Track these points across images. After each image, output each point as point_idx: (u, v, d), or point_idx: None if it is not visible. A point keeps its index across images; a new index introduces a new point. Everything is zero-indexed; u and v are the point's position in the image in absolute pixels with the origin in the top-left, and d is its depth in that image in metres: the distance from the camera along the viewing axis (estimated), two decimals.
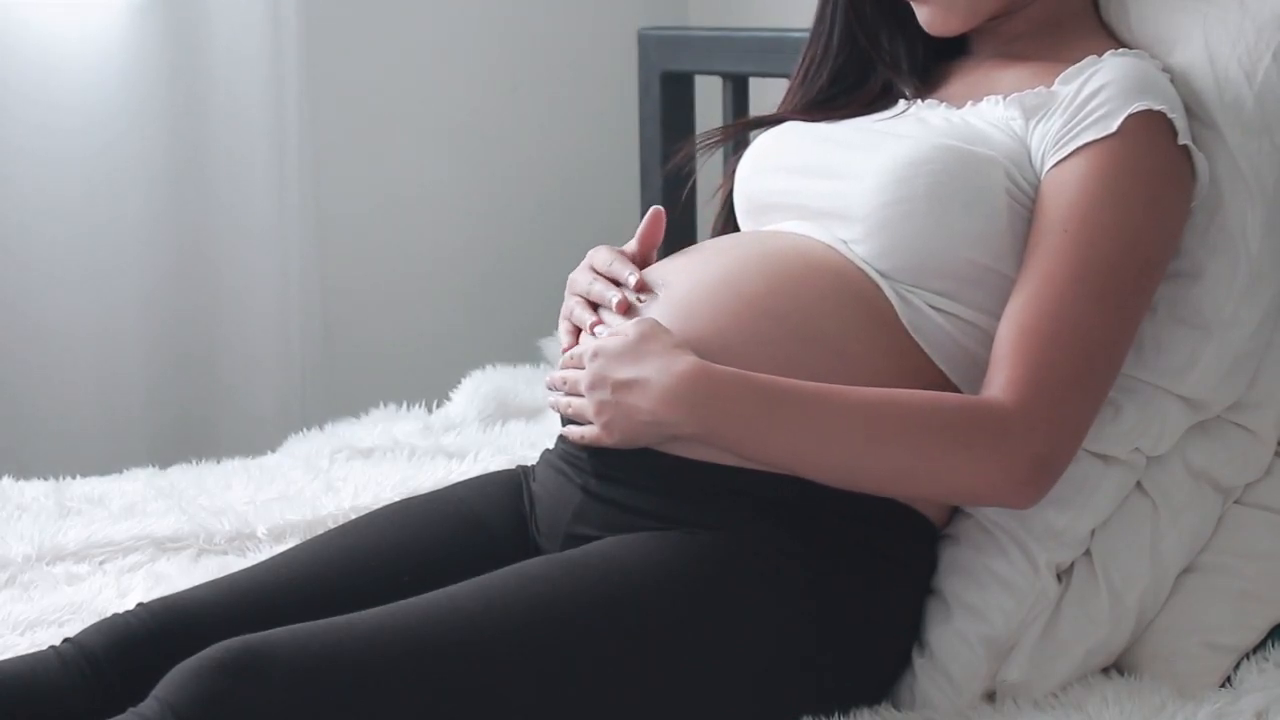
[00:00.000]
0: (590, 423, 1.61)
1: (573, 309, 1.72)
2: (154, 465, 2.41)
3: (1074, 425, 1.56)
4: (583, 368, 1.61)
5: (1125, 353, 1.60)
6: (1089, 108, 1.61)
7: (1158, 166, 1.60)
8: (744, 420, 1.54)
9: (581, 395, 1.61)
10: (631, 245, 1.75)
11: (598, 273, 1.71)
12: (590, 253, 1.75)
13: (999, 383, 1.55)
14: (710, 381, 1.55)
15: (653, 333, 1.58)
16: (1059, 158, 1.61)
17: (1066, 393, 1.55)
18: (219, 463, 2.41)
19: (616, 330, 1.62)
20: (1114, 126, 1.59)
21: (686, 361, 1.56)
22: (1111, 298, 1.57)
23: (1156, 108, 1.60)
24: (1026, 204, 1.62)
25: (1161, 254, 1.61)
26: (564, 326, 1.73)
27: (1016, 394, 1.54)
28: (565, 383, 1.64)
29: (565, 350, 1.70)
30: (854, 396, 1.55)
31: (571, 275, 1.75)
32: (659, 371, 1.56)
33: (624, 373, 1.57)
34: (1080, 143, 1.60)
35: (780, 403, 1.55)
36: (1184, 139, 1.61)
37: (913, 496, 1.60)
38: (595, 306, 1.69)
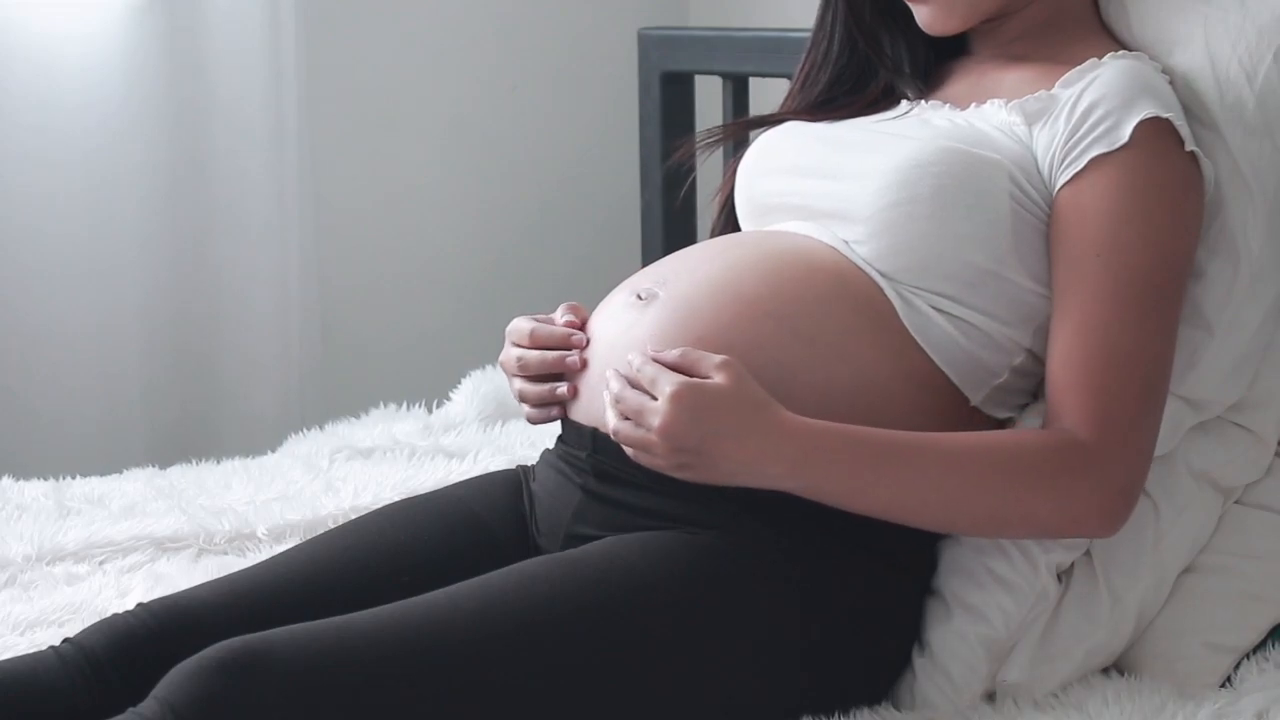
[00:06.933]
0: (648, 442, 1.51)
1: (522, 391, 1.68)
2: (154, 465, 2.41)
3: (1148, 449, 1.57)
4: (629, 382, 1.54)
5: (1172, 364, 1.60)
6: (1094, 117, 1.60)
7: (1172, 174, 1.60)
8: (847, 475, 1.53)
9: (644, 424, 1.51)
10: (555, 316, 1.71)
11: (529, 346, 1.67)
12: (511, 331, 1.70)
13: (1071, 417, 1.55)
14: (811, 437, 1.52)
15: (741, 379, 1.51)
16: (1071, 173, 1.60)
17: (1137, 419, 1.56)
18: (219, 463, 2.40)
19: (694, 371, 1.52)
20: (1124, 137, 1.59)
21: (782, 416, 1.51)
22: (1154, 315, 1.57)
23: (1163, 115, 1.60)
24: (1032, 209, 1.62)
25: (1188, 261, 1.62)
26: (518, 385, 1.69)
27: (1091, 428, 1.54)
28: (619, 402, 1.53)
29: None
30: (946, 444, 1.55)
31: (502, 359, 1.71)
32: (757, 429, 1.50)
33: (711, 425, 1.49)
34: (1091, 155, 1.59)
35: (881, 457, 1.53)
36: (1190, 145, 1.61)
37: (1011, 536, 1.59)
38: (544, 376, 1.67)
